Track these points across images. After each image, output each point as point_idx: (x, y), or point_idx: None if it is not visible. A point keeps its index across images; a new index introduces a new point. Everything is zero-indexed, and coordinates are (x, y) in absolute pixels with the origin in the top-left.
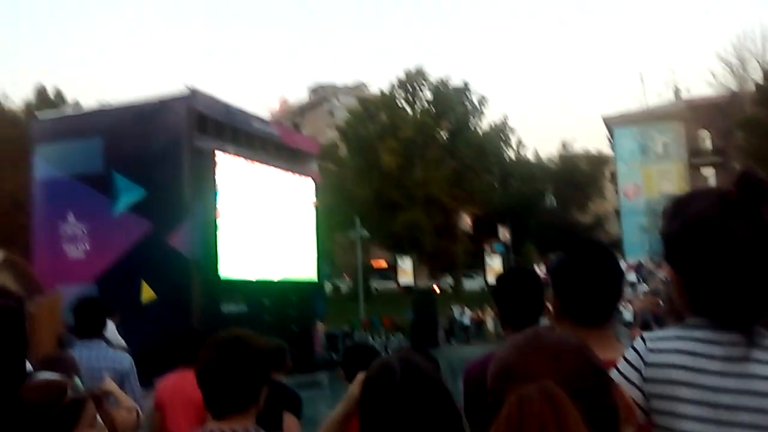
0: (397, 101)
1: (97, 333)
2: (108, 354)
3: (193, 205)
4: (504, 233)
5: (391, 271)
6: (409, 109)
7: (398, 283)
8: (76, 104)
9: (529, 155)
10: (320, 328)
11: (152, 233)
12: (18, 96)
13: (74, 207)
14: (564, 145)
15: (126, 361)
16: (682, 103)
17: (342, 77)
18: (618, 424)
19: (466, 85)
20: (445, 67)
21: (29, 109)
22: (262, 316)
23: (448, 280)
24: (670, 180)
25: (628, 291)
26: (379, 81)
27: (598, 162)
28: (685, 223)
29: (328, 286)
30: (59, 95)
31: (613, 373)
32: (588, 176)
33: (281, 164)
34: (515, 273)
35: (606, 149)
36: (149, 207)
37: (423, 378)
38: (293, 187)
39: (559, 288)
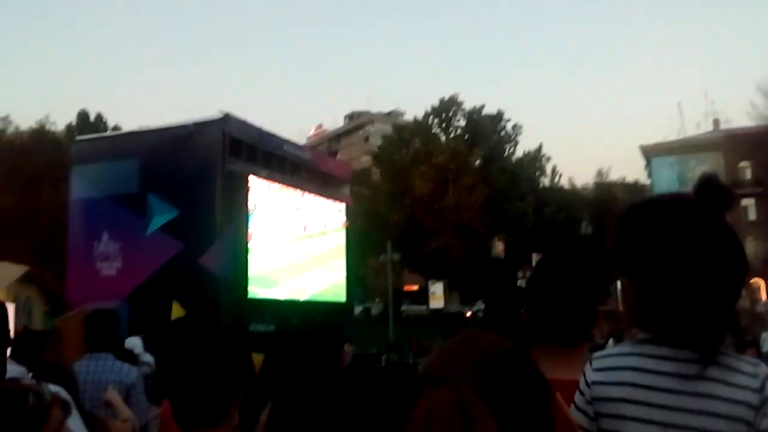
0: (432, 128)
1: (107, 346)
2: (115, 366)
3: (225, 227)
4: (537, 260)
5: (423, 296)
6: (443, 136)
7: (429, 308)
8: (116, 128)
9: (564, 183)
10: (348, 349)
11: (184, 253)
12: (62, 121)
13: (109, 226)
14: (600, 174)
15: (132, 374)
16: (721, 134)
17: (378, 105)
18: None
19: (499, 113)
20: (480, 97)
21: (71, 132)
22: (290, 336)
23: (480, 306)
24: None
25: None
26: (415, 109)
27: (634, 190)
28: (642, 230)
29: (358, 309)
30: (100, 119)
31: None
32: (624, 204)
33: (313, 188)
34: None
35: (643, 179)
36: (182, 228)
37: (328, 397)
38: (325, 211)
39: (528, 306)
